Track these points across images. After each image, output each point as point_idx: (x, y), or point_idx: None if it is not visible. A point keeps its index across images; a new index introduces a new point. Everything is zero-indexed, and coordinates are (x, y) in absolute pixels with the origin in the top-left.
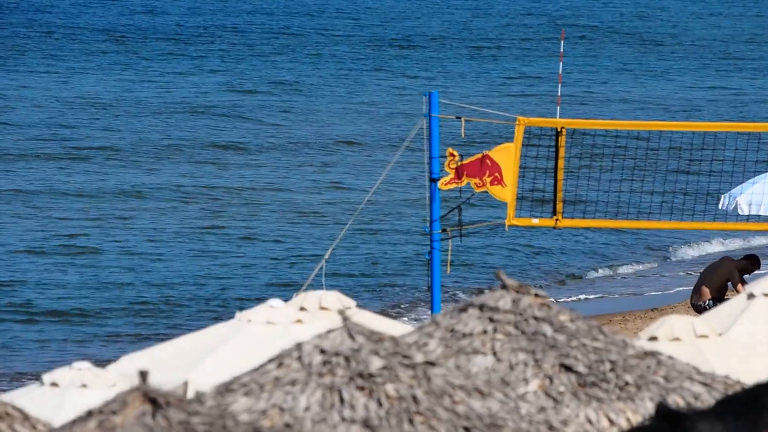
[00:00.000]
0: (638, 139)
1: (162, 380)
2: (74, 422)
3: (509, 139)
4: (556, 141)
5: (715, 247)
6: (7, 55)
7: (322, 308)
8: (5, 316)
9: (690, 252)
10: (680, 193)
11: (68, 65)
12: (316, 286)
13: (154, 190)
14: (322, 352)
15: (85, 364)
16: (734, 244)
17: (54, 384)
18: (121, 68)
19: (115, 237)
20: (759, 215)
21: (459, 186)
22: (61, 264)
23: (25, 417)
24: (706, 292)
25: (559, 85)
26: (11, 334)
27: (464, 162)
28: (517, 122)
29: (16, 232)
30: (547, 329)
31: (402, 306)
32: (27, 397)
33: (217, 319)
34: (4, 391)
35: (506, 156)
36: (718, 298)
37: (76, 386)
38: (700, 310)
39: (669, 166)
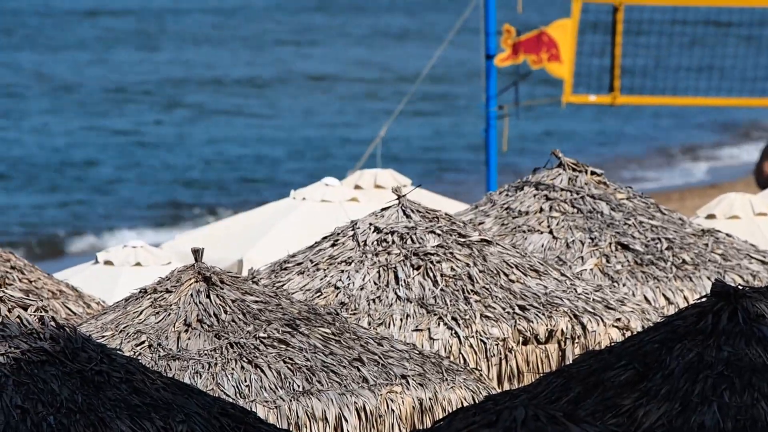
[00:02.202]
0: (704, 22)
1: (216, 258)
2: (128, 300)
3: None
4: (614, 17)
5: None
6: None
7: (378, 186)
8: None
9: (751, 129)
10: (741, 69)
11: None
12: (371, 164)
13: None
14: (377, 230)
15: (139, 242)
16: None
17: (108, 262)
18: None
19: (168, 120)
20: None
21: (515, 63)
22: (117, 147)
23: (79, 295)
24: None
25: None
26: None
27: (521, 38)
28: None
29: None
30: (603, 207)
31: (458, 184)
32: (81, 275)
33: (272, 197)
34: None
35: (563, 32)
36: None
37: (131, 264)
38: (764, 186)
39: (729, 42)
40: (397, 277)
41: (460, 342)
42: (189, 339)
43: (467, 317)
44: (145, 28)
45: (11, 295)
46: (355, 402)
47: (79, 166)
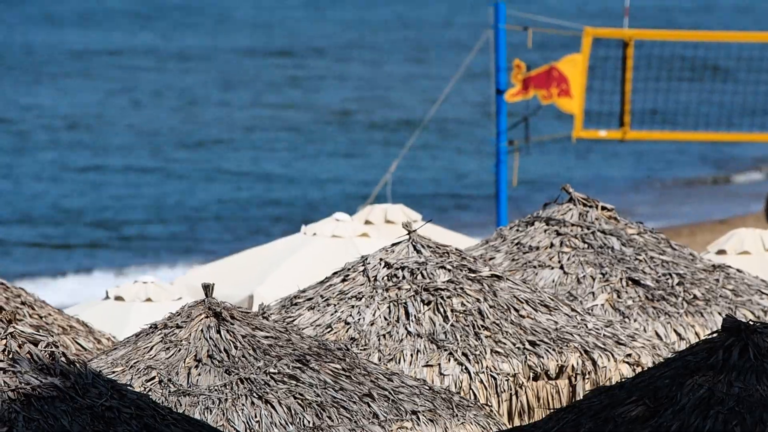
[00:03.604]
0: (711, 56)
1: (227, 294)
2: (138, 336)
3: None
4: (624, 52)
5: None
6: None
7: (388, 221)
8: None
9: (760, 164)
10: (752, 106)
11: None
12: (381, 199)
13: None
14: (388, 265)
15: (149, 278)
16: None
17: (119, 298)
18: None
19: (183, 157)
20: None
21: (526, 98)
22: (128, 183)
23: (90, 330)
24: None
25: None
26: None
27: (531, 74)
28: (584, 33)
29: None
30: (614, 242)
31: (468, 219)
32: (92, 311)
33: (283, 232)
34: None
35: (573, 67)
36: None
37: (141, 300)
38: None
39: (740, 78)
40: (407, 313)
41: (471, 378)
42: (199, 374)
43: (477, 353)
44: (158, 66)
45: (22, 331)
46: None
47: (91, 203)
